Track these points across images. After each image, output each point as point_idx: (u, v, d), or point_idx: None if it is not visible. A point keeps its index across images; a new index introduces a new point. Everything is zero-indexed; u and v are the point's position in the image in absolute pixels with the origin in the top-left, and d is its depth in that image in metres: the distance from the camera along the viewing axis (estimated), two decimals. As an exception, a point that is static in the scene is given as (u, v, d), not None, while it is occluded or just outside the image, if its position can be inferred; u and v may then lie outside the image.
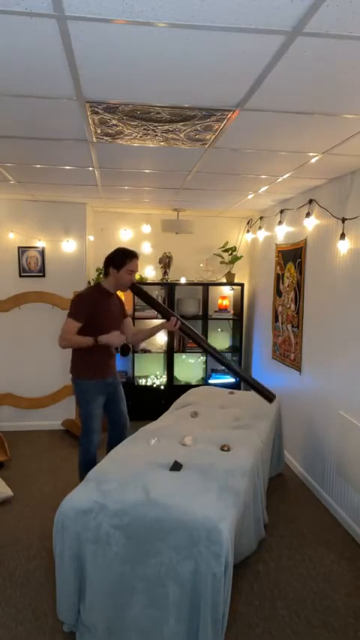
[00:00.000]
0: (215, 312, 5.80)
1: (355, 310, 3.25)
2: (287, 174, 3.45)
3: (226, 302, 5.90)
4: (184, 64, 1.70)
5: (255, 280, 5.74)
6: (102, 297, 3.32)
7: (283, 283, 4.66)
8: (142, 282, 5.63)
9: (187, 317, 5.30)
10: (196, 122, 2.32)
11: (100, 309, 3.26)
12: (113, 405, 3.50)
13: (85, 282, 5.24)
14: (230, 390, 4.39)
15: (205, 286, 5.70)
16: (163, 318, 3.55)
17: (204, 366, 5.89)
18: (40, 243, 5.09)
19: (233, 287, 5.92)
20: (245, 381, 3.53)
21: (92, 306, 3.23)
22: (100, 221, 5.75)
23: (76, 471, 3.46)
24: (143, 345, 5.75)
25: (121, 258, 3.27)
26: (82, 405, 3.38)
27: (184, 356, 5.83)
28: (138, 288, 3.44)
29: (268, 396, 3.42)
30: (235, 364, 4.04)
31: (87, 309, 3.21)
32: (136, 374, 5.71)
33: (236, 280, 5.86)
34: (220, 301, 5.88)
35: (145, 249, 5.80)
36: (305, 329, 4.12)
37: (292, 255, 4.38)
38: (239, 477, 2.58)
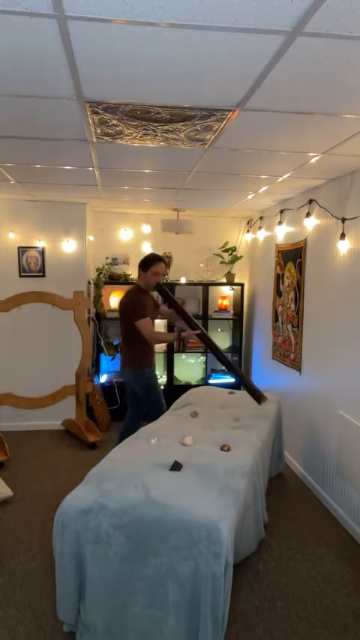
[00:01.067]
0: (215, 312, 5.80)
1: (355, 310, 3.25)
2: (287, 174, 3.45)
3: (226, 302, 5.90)
4: (183, 64, 1.70)
5: (255, 280, 5.74)
6: (144, 295, 3.93)
7: (283, 283, 4.66)
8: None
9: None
10: (196, 122, 2.32)
11: (147, 306, 3.88)
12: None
13: (85, 282, 5.24)
14: (230, 390, 4.39)
15: (205, 286, 5.70)
16: (178, 315, 3.96)
17: (204, 366, 5.89)
18: (40, 243, 5.09)
19: (233, 287, 5.92)
20: (241, 382, 3.82)
21: (145, 304, 3.86)
22: (100, 221, 5.75)
23: (75, 471, 3.47)
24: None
25: (148, 261, 3.89)
26: (150, 389, 4.01)
27: (184, 356, 5.83)
28: (161, 289, 3.96)
29: (257, 397, 3.66)
30: (235, 364, 4.26)
31: (144, 307, 3.82)
32: (136, 374, 5.70)
33: (236, 280, 5.86)
34: (220, 301, 5.88)
35: (145, 249, 5.80)
36: (305, 329, 4.12)
37: (292, 255, 4.38)
38: (239, 477, 2.58)
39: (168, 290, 4.00)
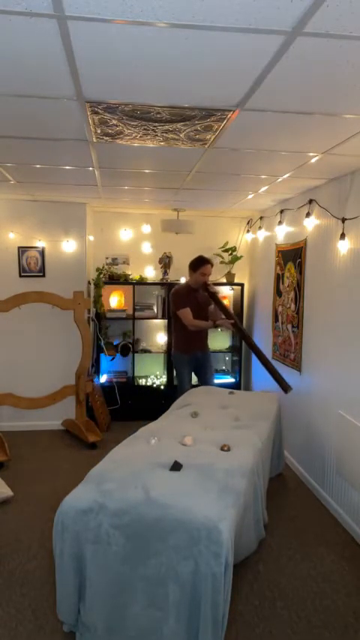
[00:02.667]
0: (215, 312, 5.80)
1: (355, 310, 3.25)
2: (287, 174, 3.45)
3: (226, 302, 5.88)
4: (184, 64, 1.70)
5: (255, 280, 5.74)
6: (190, 292, 4.67)
7: (283, 283, 4.66)
8: (142, 281, 5.64)
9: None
10: (196, 122, 2.32)
11: (189, 299, 4.60)
12: (202, 373, 4.91)
13: (85, 282, 5.24)
14: (230, 390, 4.39)
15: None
16: (224, 314, 4.66)
17: (204, 366, 5.89)
18: (40, 243, 5.10)
19: (233, 287, 5.92)
20: (270, 370, 4.20)
21: (185, 297, 4.60)
22: (100, 221, 5.74)
23: (75, 471, 3.52)
24: (144, 344, 5.78)
25: (197, 263, 4.60)
26: (176, 369, 4.96)
27: (184, 356, 5.82)
28: (207, 287, 4.63)
29: (284, 387, 4.02)
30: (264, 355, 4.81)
31: (185, 299, 4.59)
32: (136, 374, 5.71)
33: (236, 280, 5.86)
34: (220, 301, 5.87)
35: (145, 249, 5.80)
36: (305, 329, 4.12)
37: (292, 255, 4.38)
38: (239, 477, 2.58)
39: (213, 288, 4.67)
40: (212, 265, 4.68)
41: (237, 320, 4.37)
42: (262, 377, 5.39)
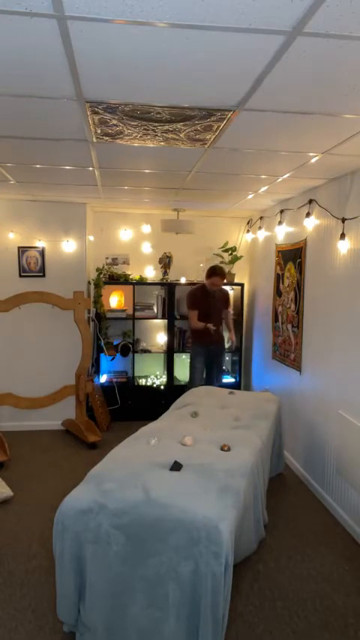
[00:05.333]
0: (215, 312, 5.79)
1: (355, 310, 3.25)
2: (287, 174, 3.45)
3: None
4: (184, 64, 1.70)
5: (255, 280, 5.74)
6: (203, 294, 5.10)
7: (283, 283, 4.66)
8: (142, 281, 5.64)
9: (187, 317, 5.34)
10: (196, 122, 2.32)
11: (202, 300, 5.08)
12: (209, 366, 5.29)
13: (86, 282, 5.24)
14: (230, 390, 4.39)
15: (205, 286, 5.69)
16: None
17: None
18: (40, 243, 5.10)
19: (233, 287, 5.92)
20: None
21: (197, 299, 5.10)
22: (100, 221, 5.74)
23: (75, 471, 3.52)
24: (143, 344, 5.78)
25: (209, 273, 5.02)
26: (190, 361, 5.28)
27: (184, 356, 5.82)
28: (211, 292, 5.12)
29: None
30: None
31: (195, 300, 5.10)
32: (136, 374, 5.71)
33: (236, 280, 5.86)
34: (220, 301, 5.87)
35: (145, 249, 5.80)
36: (305, 329, 4.12)
37: (292, 255, 4.38)
38: (239, 477, 2.58)
39: (213, 297, 5.11)
40: (223, 278, 4.99)
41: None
42: (261, 377, 5.40)
